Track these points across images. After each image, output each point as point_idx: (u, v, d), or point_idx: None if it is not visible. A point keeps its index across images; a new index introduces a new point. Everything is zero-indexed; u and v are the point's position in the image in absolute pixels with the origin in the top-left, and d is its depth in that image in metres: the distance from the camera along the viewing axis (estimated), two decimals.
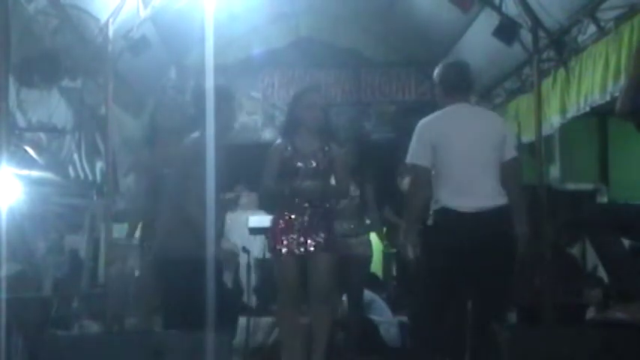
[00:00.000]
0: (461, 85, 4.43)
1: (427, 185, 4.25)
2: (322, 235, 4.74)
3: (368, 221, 6.18)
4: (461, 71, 4.49)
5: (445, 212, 4.21)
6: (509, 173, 4.33)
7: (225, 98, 4.56)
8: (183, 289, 4.40)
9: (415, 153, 4.27)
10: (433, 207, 4.26)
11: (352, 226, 5.91)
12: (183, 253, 4.40)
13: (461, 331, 4.36)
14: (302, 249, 4.71)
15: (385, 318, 6.82)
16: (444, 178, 4.25)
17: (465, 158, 4.23)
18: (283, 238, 4.73)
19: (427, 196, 4.27)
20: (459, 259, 4.14)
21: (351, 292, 6.00)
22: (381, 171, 6.91)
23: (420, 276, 4.43)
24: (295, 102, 4.96)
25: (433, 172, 4.25)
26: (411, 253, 4.23)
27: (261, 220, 5.74)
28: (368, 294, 6.77)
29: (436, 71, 4.52)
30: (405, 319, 6.64)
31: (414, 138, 4.31)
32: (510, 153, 4.35)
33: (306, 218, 4.73)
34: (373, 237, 6.69)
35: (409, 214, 4.34)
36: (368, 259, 6.23)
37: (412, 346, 5.64)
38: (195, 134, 4.56)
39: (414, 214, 4.30)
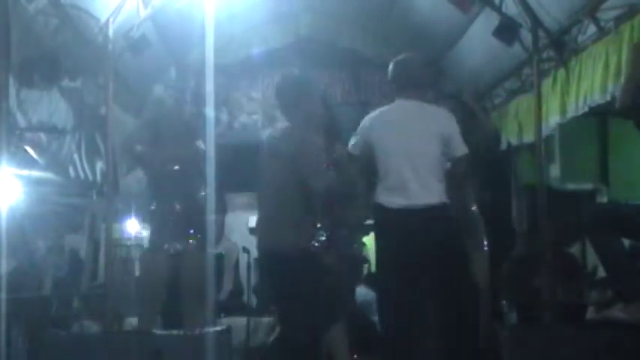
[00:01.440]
0: (407, 81, 4.42)
1: (358, 174, 4.40)
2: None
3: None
4: (407, 67, 4.47)
5: (378, 209, 4.28)
6: (456, 171, 4.34)
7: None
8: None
9: (351, 144, 4.45)
10: (373, 201, 4.34)
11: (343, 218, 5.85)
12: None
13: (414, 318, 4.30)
14: None
15: None
16: (380, 174, 4.29)
17: (399, 156, 4.26)
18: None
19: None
20: (392, 255, 4.19)
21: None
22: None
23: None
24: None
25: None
26: None
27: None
28: (367, 293, 6.76)
29: (389, 67, 4.53)
30: None
31: (355, 132, 4.45)
32: (460, 150, 4.32)
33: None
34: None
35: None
36: (360, 258, 6.22)
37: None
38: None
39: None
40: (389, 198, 4.22)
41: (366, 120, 4.45)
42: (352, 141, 4.45)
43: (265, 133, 4.46)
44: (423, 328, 4.37)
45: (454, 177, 4.33)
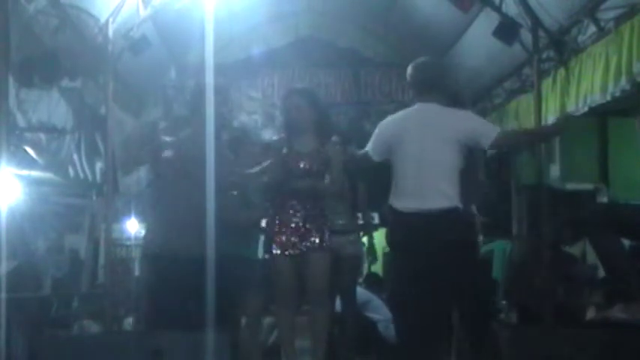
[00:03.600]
0: (422, 84, 4.41)
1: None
2: (317, 235, 4.74)
3: (360, 221, 6.17)
4: (427, 70, 4.46)
5: (392, 212, 4.29)
6: (472, 175, 4.38)
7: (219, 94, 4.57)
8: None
9: (370, 145, 4.45)
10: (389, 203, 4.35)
11: (342, 222, 5.85)
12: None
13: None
14: (297, 250, 4.72)
15: (383, 316, 6.81)
16: (395, 177, 4.29)
17: (415, 159, 4.25)
18: (278, 239, 4.74)
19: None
20: (405, 259, 4.19)
21: (344, 291, 5.98)
22: (380, 170, 6.89)
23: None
24: (282, 104, 5.04)
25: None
26: None
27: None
28: (365, 293, 6.76)
29: (408, 70, 4.53)
30: None
31: (374, 134, 4.45)
32: (492, 131, 4.30)
33: (300, 219, 4.74)
34: (374, 237, 6.68)
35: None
36: (360, 258, 6.22)
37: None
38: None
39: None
40: (403, 202, 4.22)
41: (383, 125, 4.43)
42: (370, 145, 4.42)
43: None
44: (438, 333, 4.37)
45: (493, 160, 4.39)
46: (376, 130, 4.45)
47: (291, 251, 4.72)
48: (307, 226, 4.74)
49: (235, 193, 4.98)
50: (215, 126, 4.32)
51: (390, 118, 4.48)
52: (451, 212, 4.18)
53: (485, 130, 4.31)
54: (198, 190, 4.21)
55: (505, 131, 4.46)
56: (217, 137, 4.45)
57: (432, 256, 4.10)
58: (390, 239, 4.41)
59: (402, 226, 4.22)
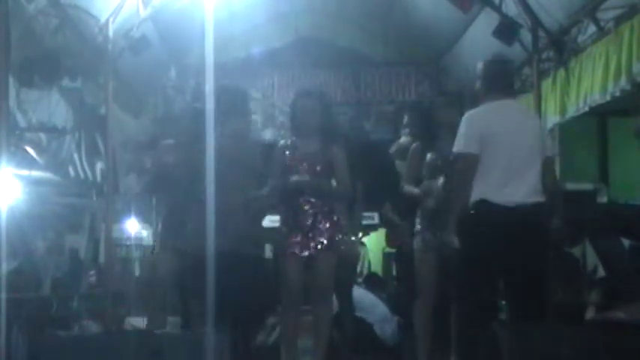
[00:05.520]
0: (504, 81, 4.46)
1: (474, 173, 4.29)
2: (325, 235, 4.75)
3: (356, 222, 6.15)
4: (504, 68, 4.52)
5: (486, 205, 4.26)
6: (548, 170, 4.40)
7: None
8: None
9: (465, 142, 4.32)
10: (473, 197, 4.29)
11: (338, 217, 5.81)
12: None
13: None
14: (306, 250, 4.72)
15: (380, 316, 6.80)
16: (487, 170, 4.29)
17: (509, 153, 4.29)
18: (287, 240, 4.74)
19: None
20: (497, 253, 4.20)
21: (341, 291, 5.98)
22: (379, 170, 6.88)
23: (460, 266, 4.48)
24: (292, 106, 5.02)
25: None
26: (456, 242, 4.30)
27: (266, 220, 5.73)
28: (362, 293, 6.75)
29: (479, 67, 4.52)
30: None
31: (463, 128, 4.36)
32: (549, 151, 4.50)
33: (309, 219, 4.74)
34: (374, 236, 6.68)
35: (457, 202, 4.35)
36: (356, 257, 6.21)
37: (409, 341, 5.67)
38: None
39: (462, 202, 4.32)
40: (497, 195, 4.24)
41: (472, 117, 4.40)
42: (462, 140, 4.34)
43: None
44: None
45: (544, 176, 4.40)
46: (465, 126, 4.36)
47: (300, 252, 4.72)
48: (318, 226, 4.74)
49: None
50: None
51: (475, 112, 4.43)
52: (543, 207, 4.28)
53: (548, 144, 4.57)
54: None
55: (550, 163, 4.57)
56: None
57: (526, 247, 4.18)
58: (478, 231, 4.34)
59: (498, 219, 4.23)
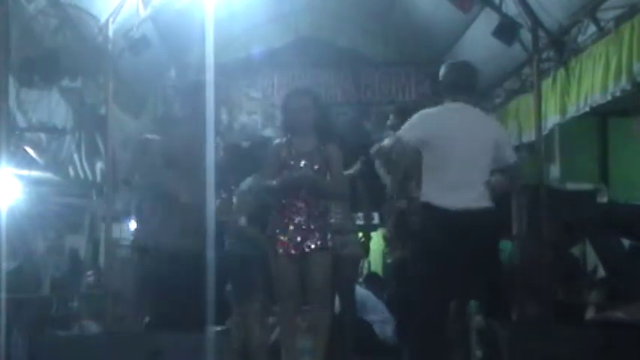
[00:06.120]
0: (461, 84, 4.43)
1: (403, 161, 4.44)
2: (319, 235, 4.74)
3: (359, 221, 6.16)
4: (462, 71, 4.49)
5: (430, 209, 4.25)
6: (511, 176, 4.36)
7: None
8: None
9: (405, 129, 4.35)
10: (421, 199, 4.32)
11: (340, 222, 5.82)
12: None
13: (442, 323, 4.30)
14: (300, 250, 4.72)
15: (380, 316, 6.80)
16: (432, 173, 4.28)
17: (456, 157, 4.25)
18: (280, 239, 4.74)
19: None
20: (441, 256, 4.16)
21: (342, 291, 5.98)
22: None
23: (407, 268, 4.50)
24: (283, 105, 5.00)
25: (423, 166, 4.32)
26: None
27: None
28: (362, 293, 6.75)
29: (441, 69, 4.53)
30: None
31: (411, 120, 4.40)
32: (511, 157, 4.38)
33: (303, 218, 4.74)
34: (374, 236, 6.68)
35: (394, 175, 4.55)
36: (358, 257, 6.21)
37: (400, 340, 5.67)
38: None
39: (397, 179, 4.53)
40: (442, 199, 4.22)
41: (422, 116, 4.41)
42: (406, 131, 4.36)
43: None
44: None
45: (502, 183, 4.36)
46: (415, 119, 4.39)
47: (295, 251, 4.72)
48: (311, 226, 4.74)
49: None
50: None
51: (429, 111, 4.45)
52: (491, 212, 4.24)
53: (509, 152, 4.43)
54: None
55: (518, 166, 4.52)
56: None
57: (472, 252, 4.15)
58: (424, 234, 4.35)
59: (441, 223, 4.20)
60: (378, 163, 5.17)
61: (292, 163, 4.79)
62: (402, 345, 6.39)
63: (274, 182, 4.76)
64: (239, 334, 5.63)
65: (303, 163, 4.79)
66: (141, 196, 5.51)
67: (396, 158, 4.39)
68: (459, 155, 4.23)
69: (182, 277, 5.24)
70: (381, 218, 6.75)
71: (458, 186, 4.21)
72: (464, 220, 4.14)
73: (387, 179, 5.31)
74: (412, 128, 4.34)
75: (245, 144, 5.72)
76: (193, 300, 4.16)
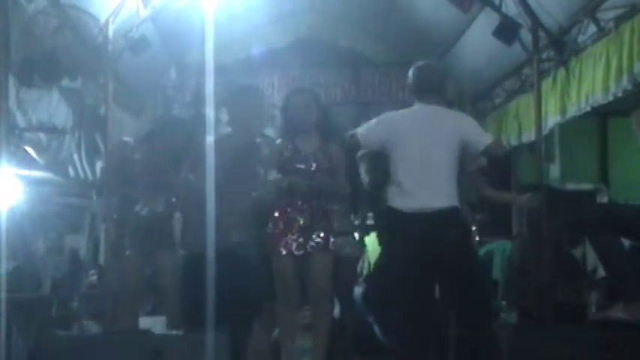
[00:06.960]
0: (424, 86, 4.43)
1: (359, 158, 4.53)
2: (321, 235, 4.74)
3: (356, 222, 6.14)
4: (424, 72, 4.49)
5: (389, 212, 4.27)
6: (472, 182, 4.38)
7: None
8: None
9: (363, 129, 4.40)
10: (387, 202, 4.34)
11: (340, 223, 5.81)
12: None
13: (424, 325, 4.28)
14: (301, 250, 4.71)
15: None
16: (395, 176, 4.29)
17: (415, 159, 4.25)
18: (282, 238, 4.73)
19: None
20: (404, 259, 4.16)
21: (341, 292, 5.98)
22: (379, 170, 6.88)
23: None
24: (283, 105, 4.99)
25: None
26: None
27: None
28: (359, 292, 6.74)
29: (409, 71, 4.55)
30: None
31: (372, 121, 4.42)
32: (485, 138, 4.37)
33: (305, 219, 4.73)
34: (374, 236, 6.67)
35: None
36: (357, 259, 6.20)
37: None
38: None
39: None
40: (402, 201, 4.22)
41: (384, 117, 4.42)
42: (366, 126, 4.40)
43: None
44: (433, 338, 4.37)
45: (484, 169, 4.37)
46: (375, 120, 4.41)
47: (296, 251, 4.71)
48: (313, 225, 4.73)
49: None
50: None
51: (392, 113, 4.46)
52: (453, 211, 4.19)
53: (480, 136, 4.37)
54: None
55: (498, 141, 4.52)
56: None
57: (433, 255, 4.11)
58: (387, 238, 4.40)
59: (402, 226, 4.20)
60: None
61: (293, 164, 4.77)
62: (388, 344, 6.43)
63: (284, 183, 4.74)
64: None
65: (314, 166, 4.77)
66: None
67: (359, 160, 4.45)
68: (418, 156, 4.23)
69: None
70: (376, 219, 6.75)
71: (417, 187, 4.21)
72: (421, 221, 4.14)
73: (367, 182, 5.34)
74: (370, 130, 4.39)
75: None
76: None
